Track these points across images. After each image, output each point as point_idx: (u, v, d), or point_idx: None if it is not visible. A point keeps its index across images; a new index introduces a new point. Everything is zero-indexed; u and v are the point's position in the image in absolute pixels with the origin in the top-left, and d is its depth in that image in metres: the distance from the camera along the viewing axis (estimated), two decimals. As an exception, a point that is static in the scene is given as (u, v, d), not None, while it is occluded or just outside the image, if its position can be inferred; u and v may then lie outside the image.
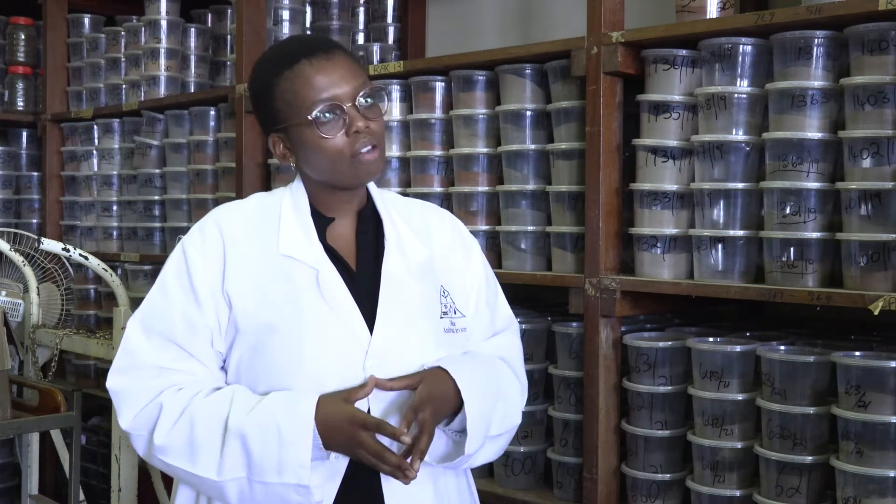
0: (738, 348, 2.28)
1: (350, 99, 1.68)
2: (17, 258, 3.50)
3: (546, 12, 3.53)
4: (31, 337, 3.42)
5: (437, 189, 2.88)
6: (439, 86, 2.91)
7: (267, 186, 3.41)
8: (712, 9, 2.42)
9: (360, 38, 3.95)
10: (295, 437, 1.59)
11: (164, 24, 4.02)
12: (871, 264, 2.07)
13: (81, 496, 3.14)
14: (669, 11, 2.53)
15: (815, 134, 2.16)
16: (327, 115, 1.67)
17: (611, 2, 2.46)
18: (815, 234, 2.16)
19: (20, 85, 4.71)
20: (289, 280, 1.69)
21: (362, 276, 1.74)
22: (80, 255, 3.32)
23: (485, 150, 2.79)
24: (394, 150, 2.97)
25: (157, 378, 1.68)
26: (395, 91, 2.99)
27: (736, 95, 2.28)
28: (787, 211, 2.18)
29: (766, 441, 2.22)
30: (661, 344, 2.41)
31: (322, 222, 1.76)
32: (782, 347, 2.27)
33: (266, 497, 1.62)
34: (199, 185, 3.73)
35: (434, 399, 1.65)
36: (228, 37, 4.09)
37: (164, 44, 4.01)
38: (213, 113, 3.72)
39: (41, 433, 3.33)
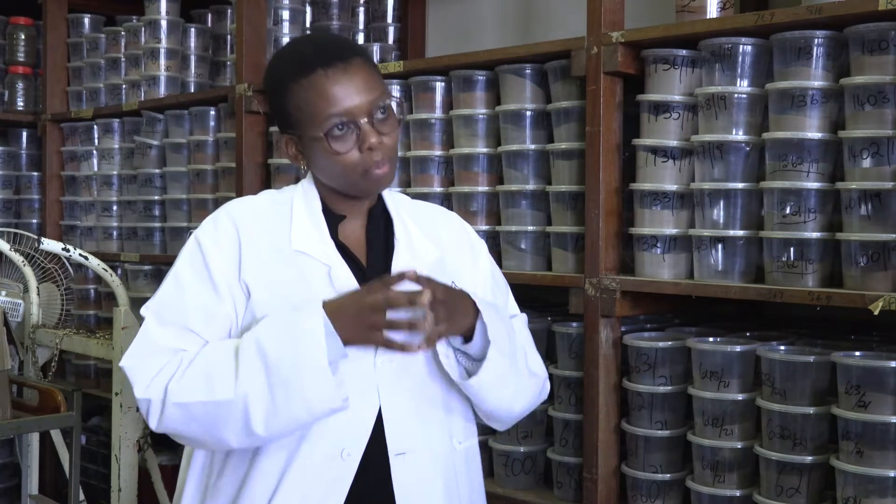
0: (738, 348, 2.28)
1: (365, 113, 1.67)
2: (17, 258, 3.51)
3: (546, 12, 3.53)
4: (31, 337, 3.42)
5: (437, 189, 2.88)
6: (439, 86, 2.91)
7: (267, 186, 3.41)
8: (712, 9, 2.42)
9: (361, 38, 3.95)
10: (306, 325, 1.58)
11: (164, 24, 4.02)
12: (871, 264, 2.07)
13: (81, 496, 3.14)
14: (669, 11, 2.53)
15: (815, 134, 2.16)
16: (340, 129, 1.67)
17: (611, 2, 2.46)
18: (815, 234, 2.16)
19: (20, 85, 4.71)
20: (301, 275, 1.70)
21: (372, 273, 1.74)
22: (80, 255, 3.32)
23: (485, 150, 2.79)
24: (394, 150, 2.97)
25: (173, 354, 1.67)
26: (396, 91, 2.99)
27: (736, 95, 2.28)
28: (787, 211, 2.18)
29: (766, 441, 2.22)
30: (661, 344, 2.41)
31: (333, 219, 1.77)
32: (782, 347, 2.27)
33: (288, 402, 1.58)
34: (199, 185, 3.73)
35: (452, 294, 1.66)
36: (228, 37, 4.09)
37: (164, 44, 4.01)
38: (213, 113, 3.72)
39: (41, 433, 3.34)
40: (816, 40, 2.17)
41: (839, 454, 2.09)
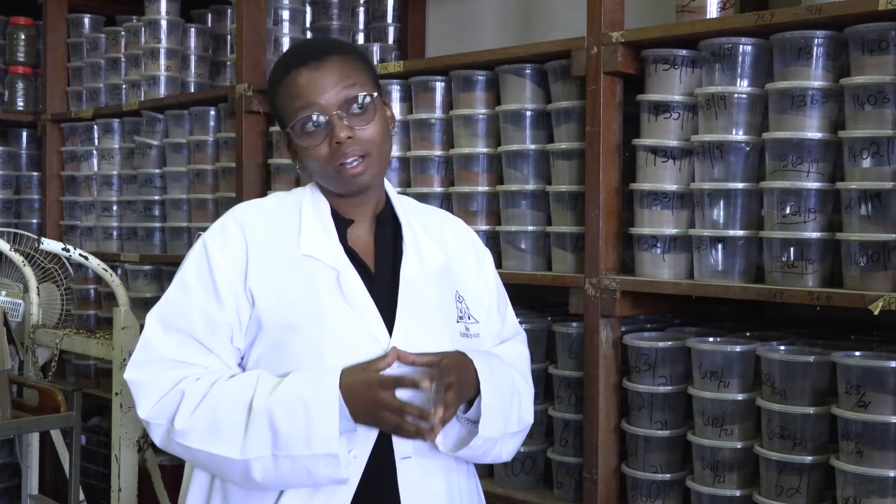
0: (738, 348, 2.28)
1: (335, 107, 1.69)
2: (17, 258, 3.50)
3: (546, 12, 3.53)
4: (31, 337, 3.42)
5: (437, 189, 2.88)
6: (439, 86, 2.91)
7: (267, 186, 3.41)
8: (712, 9, 2.42)
9: (360, 38, 3.95)
10: (322, 409, 1.60)
11: (164, 24, 4.02)
12: (871, 264, 2.06)
13: (81, 496, 3.14)
14: (669, 11, 2.53)
15: (815, 134, 2.16)
16: (310, 125, 1.70)
17: (611, 2, 2.46)
18: (815, 234, 2.16)
19: (20, 85, 4.71)
20: (309, 280, 1.71)
21: (380, 278, 1.76)
22: (80, 255, 3.32)
23: (485, 150, 2.79)
24: (394, 150, 2.97)
25: (176, 370, 1.68)
26: (395, 91, 2.99)
27: (736, 95, 2.28)
28: (787, 211, 2.18)
29: (766, 441, 2.22)
30: (661, 344, 2.41)
31: (342, 224, 1.78)
32: (782, 347, 2.27)
33: (293, 472, 1.62)
34: (199, 185, 3.73)
35: (459, 370, 1.69)
36: (228, 37, 4.09)
37: (164, 44, 4.01)
38: (213, 113, 3.72)
39: (41, 433, 3.33)
40: (816, 40, 2.16)
41: (839, 454, 2.09)
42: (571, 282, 2.53)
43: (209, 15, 4.22)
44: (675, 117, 2.40)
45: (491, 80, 2.80)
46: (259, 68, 3.44)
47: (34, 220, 4.65)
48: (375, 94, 1.74)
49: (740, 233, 2.28)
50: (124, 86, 4.21)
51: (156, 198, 3.94)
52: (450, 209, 2.78)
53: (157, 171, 3.93)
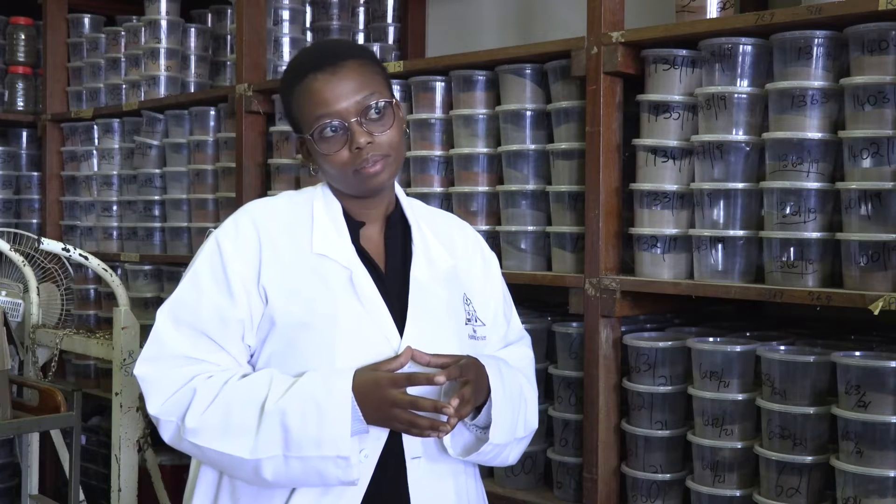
0: (738, 348, 2.28)
1: (354, 114, 1.70)
2: (17, 258, 3.50)
3: (546, 12, 3.53)
4: (31, 337, 3.42)
5: (437, 189, 2.88)
6: (439, 86, 2.91)
7: (267, 186, 3.41)
8: (712, 9, 2.42)
9: (360, 38, 3.95)
10: (334, 410, 1.60)
11: (164, 24, 4.02)
12: (871, 264, 2.06)
13: (81, 496, 3.14)
14: (669, 11, 2.53)
15: (815, 134, 2.16)
16: (328, 131, 1.71)
17: (611, 2, 2.46)
18: (815, 234, 2.16)
19: (20, 85, 4.71)
20: (322, 279, 1.71)
21: (391, 279, 1.77)
22: (80, 255, 3.32)
23: (485, 150, 2.79)
24: (394, 150, 2.97)
25: (187, 366, 1.68)
26: (396, 91, 2.98)
27: (736, 95, 2.28)
28: (787, 211, 2.18)
29: (766, 441, 2.22)
30: (661, 344, 2.41)
31: (354, 225, 1.79)
32: (782, 347, 2.27)
33: (303, 473, 1.62)
34: (199, 185, 3.73)
35: (475, 372, 1.70)
36: (228, 37, 4.09)
37: (164, 44, 4.02)
38: (213, 113, 3.72)
39: (41, 433, 3.33)
40: (816, 40, 2.16)
41: (839, 454, 2.09)
42: (571, 282, 2.53)
43: (209, 15, 4.22)
44: (675, 117, 2.40)
45: (491, 80, 2.80)
46: (259, 68, 3.44)
47: (34, 220, 4.65)
48: (393, 99, 1.76)
49: (740, 233, 2.28)
50: (124, 86, 4.21)
51: (156, 198, 3.94)
52: (450, 209, 2.78)
53: (157, 171, 3.93)
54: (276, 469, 1.63)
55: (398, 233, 1.83)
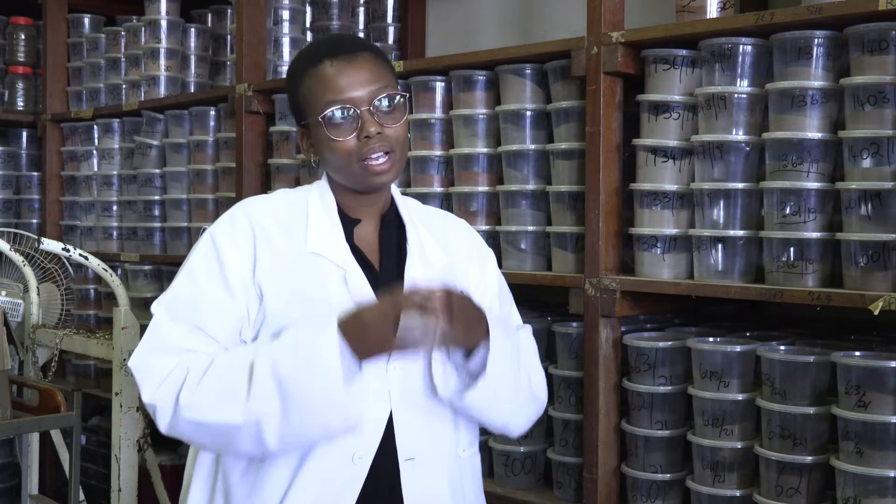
0: (738, 348, 2.28)
1: (366, 103, 1.69)
2: (17, 258, 3.50)
3: (546, 12, 3.53)
4: (31, 337, 3.42)
5: (437, 189, 2.88)
6: (439, 86, 2.91)
7: (267, 186, 3.41)
8: (712, 9, 2.42)
9: (360, 38, 3.95)
10: (322, 349, 1.56)
11: (164, 24, 4.02)
12: (871, 264, 2.06)
13: (81, 496, 3.14)
14: (669, 11, 2.53)
15: (815, 134, 2.16)
16: (339, 117, 1.69)
17: (611, 2, 2.46)
18: (815, 234, 2.16)
19: (20, 85, 4.71)
20: (316, 277, 1.70)
21: (385, 278, 1.75)
22: (80, 255, 3.32)
23: (485, 150, 2.79)
24: (394, 150, 2.97)
25: (181, 354, 1.66)
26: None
27: (736, 95, 2.28)
28: (787, 211, 2.18)
29: (766, 441, 2.22)
30: (661, 344, 2.41)
31: (349, 223, 1.78)
32: (782, 347, 2.27)
33: (303, 426, 1.58)
34: (199, 185, 3.73)
35: (471, 307, 1.64)
36: (228, 37, 4.09)
37: (164, 44, 4.02)
38: (213, 113, 3.72)
39: (41, 433, 3.33)
40: (816, 40, 2.17)
41: (839, 454, 2.09)
42: (571, 282, 2.53)
43: (209, 15, 4.22)
44: (675, 117, 2.40)
45: (491, 80, 2.80)
46: (259, 68, 3.44)
47: (34, 220, 4.65)
48: (406, 95, 1.75)
49: (740, 233, 2.28)
50: (124, 86, 4.21)
51: (156, 198, 3.94)
52: (450, 209, 2.78)
53: (157, 171, 3.93)
54: (277, 428, 1.58)
55: (393, 231, 1.82)
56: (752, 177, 2.30)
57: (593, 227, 2.46)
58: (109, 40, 4.31)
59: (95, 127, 4.27)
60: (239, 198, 3.40)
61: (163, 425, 1.65)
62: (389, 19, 3.96)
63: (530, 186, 2.69)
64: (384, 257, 1.78)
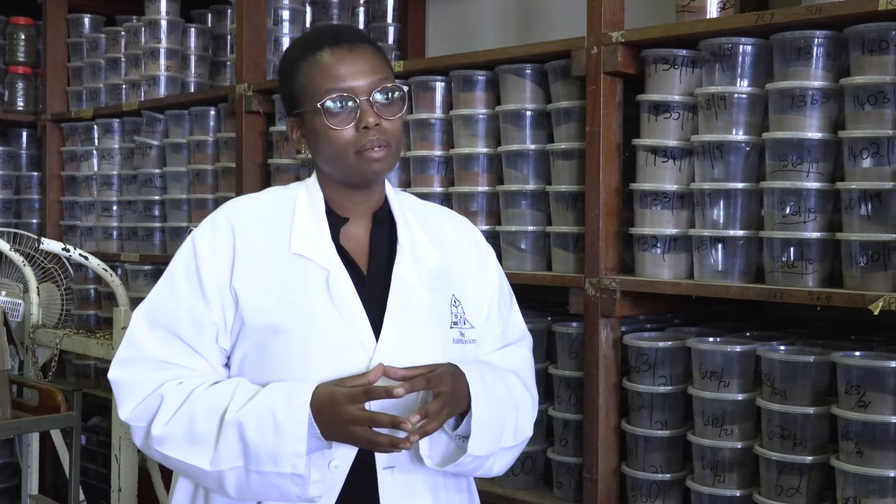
0: (738, 348, 2.28)
1: (365, 93, 1.66)
2: (17, 258, 3.51)
3: (546, 12, 3.53)
4: (31, 337, 3.42)
5: (437, 189, 2.88)
6: (439, 86, 2.91)
7: (267, 186, 3.40)
8: (712, 9, 2.42)
9: (360, 38, 3.95)
10: (290, 426, 1.56)
11: (164, 24, 4.02)
12: (871, 264, 2.07)
13: (81, 496, 3.14)
14: (669, 11, 2.53)
15: (815, 134, 2.16)
16: (338, 105, 1.65)
17: (611, 2, 2.46)
18: (815, 234, 2.16)
19: (20, 85, 4.71)
20: (298, 280, 1.67)
21: (373, 280, 1.71)
22: (80, 255, 3.32)
23: (485, 150, 2.79)
24: (394, 150, 2.97)
25: (159, 371, 1.66)
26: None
27: (736, 95, 2.28)
28: (787, 211, 2.18)
29: (766, 441, 2.22)
30: (661, 344, 2.41)
31: (336, 222, 1.74)
32: (782, 347, 2.27)
33: (263, 487, 1.59)
34: (199, 185, 3.74)
35: (453, 382, 1.63)
36: (228, 37, 4.09)
37: (164, 44, 4.02)
38: (213, 113, 3.72)
39: (41, 433, 3.34)
40: (816, 40, 2.16)
41: (839, 454, 2.09)
42: (571, 282, 2.53)
43: (209, 15, 4.22)
44: (675, 117, 2.40)
45: (491, 80, 2.80)
46: (259, 68, 3.44)
47: (34, 220, 4.65)
48: (406, 88, 1.73)
49: (740, 233, 2.28)
50: (124, 86, 4.22)
51: (156, 198, 3.94)
52: (450, 209, 2.78)
53: (157, 171, 3.93)
54: (237, 482, 1.60)
55: (385, 230, 1.77)
56: (752, 177, 2.30)
57: (593, 227, 2.46)
58: (109, 40, 4.31)
59: (95, 127, 4.28)
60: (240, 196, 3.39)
61: (137, 443, 1.69)
62: (389, 19, 3.96)
63: (530, 186, 2.69)
64: (373, 257, 1.74)
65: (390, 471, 1.67)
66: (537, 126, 2.71)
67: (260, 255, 1.69)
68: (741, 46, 2.28)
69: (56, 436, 3.36)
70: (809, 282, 2.16)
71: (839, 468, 2.07)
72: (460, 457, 1.67)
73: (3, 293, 3.48)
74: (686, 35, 2.35)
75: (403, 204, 1.82)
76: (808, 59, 2.17)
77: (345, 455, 1.64)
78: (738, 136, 2.28)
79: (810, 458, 2.14)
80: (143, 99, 4.05)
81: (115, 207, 4.15)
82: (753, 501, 2.23)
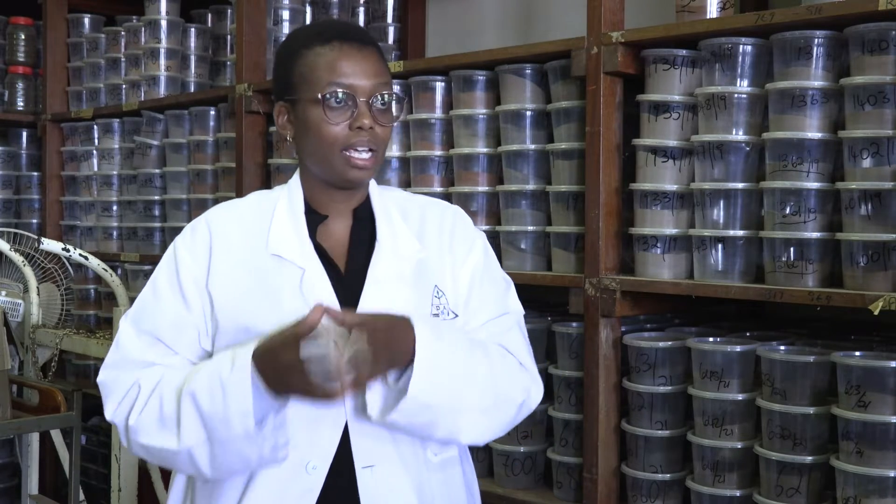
0: (738, 348, 2.28)
1: (365, 94, 1.65)
2: (17, 258, 3.51)
3: (546, 12, 3.53)
4: (31, 337, 3.42)
5: (437, 189, 2.88)
6: (439, 86, 2.91)
7: (266, 186, 3.41)
8: (712, 9, 2.42)
9: (360, 38, 3.94)
10: (234, 386, 1.54)
11: (164, 24, 4.02)
12: (871, 264, 2.07)
13: (81, 496, 3.14)
14: (669, 11, 2.53)
15: (815, 134, 2.16)
16: (338, 100, 1.64)
17: (611, 2, 2.46)
18: (815, 234, 2.16)
19: (20, 85, 4.71)
20: (273, 280, 1.66)
21: (351, 277, 1.69)
22: (80, 255, 3.32)
23: (485, 150, 2.79)
24: (394, 150, 2.97)
25: (143, 369, 1.67)
26: (397, 91, 2.98)
27: (736, 95, 2.28)
28: (787, 211, 2.18)
29: (766, 441, 2.22)
30: (661, 344, 2.41)
31: (315, 220, 1.72)
32: (782, 347, 2.27)
33: (226, 456, 1.57)
34: (199, 185, 3.74)
35: (389, 331, 1.55)
36: (228, 37, 4.09)
37: (164, 44, 4.02)
38: (213, 113, 3.72)
39: (41, 433, 3.34)
40: (816, 40, 2.17)
41: (839, 454, 2.09)
42: (571, 282, 2.53)
43: (209, 15, 4.22)
44: (675, 117, 2.40)
45: (491, 80, 2.80)
46: (259, 68, 3.44)
47: (34, 220, 4.65)
48: (400, 96, 1.72)
49: (740, 233, 2.28)
50: (124, 86, 4.22)
51: (156, 198, 3.94)
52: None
53: (157, 171, 3.93)
54: (207, 457, 1.58)
55: (366, 226, 1.74)
56: (752, 177, 2.30)
57: (593, 227, 2.46)
58: (109, 40, 4.31)
59: (95, 127, 4.28)
60: (238, 197, 3.39)
61: (123, 443, 1.69)
62: (389, 19, 3.96)
63: (530, 186, 2.69)
64: (352, 255, 1.72)
65: (370, 470, 1.63)
66: (537, 126, 2.71)
67: (237, 256, 1.69)
68: (741, 46, 2.28)
69: (56, 436, 3.36)
70: (809, 282, 2.16)
71: (839, 468, 2.07)
72: (399, 402, 1.56)
73: (3, 293, 3.48)
74: (686, 35, 2.35)
75: (387, 199, 1.80)
76: (808, 59, 2.17)
77: (322, 455, 1.62)
78: (738, 136, 2.28)
79: (810, 458, 2.14)
80: (143, 99, 4.05)
81: (115, 207, 4.16)
82: (753, 501, 2.23)
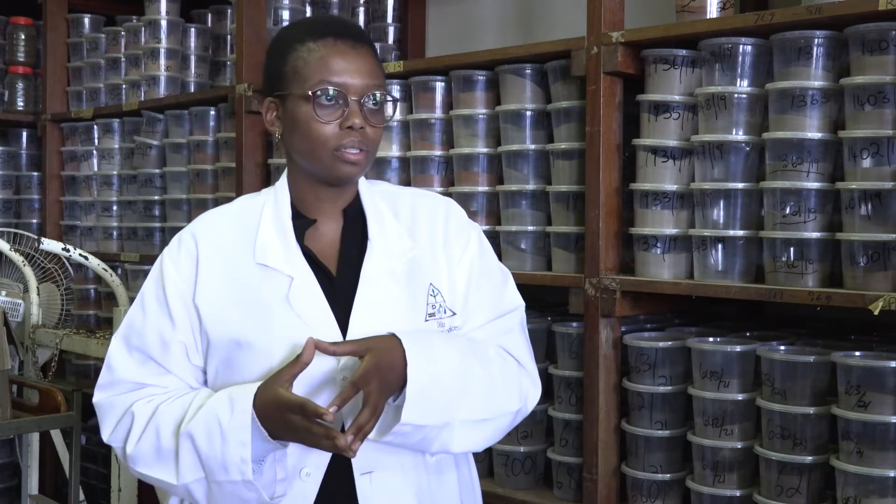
0: (738, 348, 2.28)
1: (358, 94, 1.62)
2: (17, 258, 3.51)
3: (546, 12, 3.53)
4: (31, 337, 3.42)
5: (437, 189, 2.88)
6: (439, 86, 2.91)
7: (266, 186, 3.40)
8: (712, 9, 2.42)
9: (360, 38, 3.94)
10: (234, 433, 1.54)
11: (164, 24, 4.02)
12: (871, 264, 2.07)
13: (81, 496, 3.14)
14: (669, 11, 2.53)
15: (815, 134, 2.16)
16: (328, 98, 1.61)
17: (611, 2, 2.46)
18: (816, 234, 2.16)
19: (20, 85, 4.71)
20: (261, 290, 1.64)
21: (343, 280, 1.67)
22: (80, 255, 3.32)
23: (485, 150, 2.79)
24: (394, 150, 2.97)
25: (134, 392, 1.67)
26: (395, 91, 2.98)
27: (736, 95, 2.28)
28: (787, 211, 2.18)
29: (766, 441, 2.22)
30: (661, 344, 2.41)
31: (303, 225, 1.69)
32: (782, 347, 2.27)
33: (223, 496, 1.58)
34: (199, 185, 3.74)
35: (381, 369, 1.53)
36: (228, 37, 4.09)
37: (164, 44, 4.02)
38: (213, 113, 3.72)
39: (41, 433, 3.34)
40: (816, 40, 2.17)
41: (839, 454, 2.09)
42: (571, 282, 2.53)
43: (209, 15, 4.22)
44: (675, 117, 2.40)
45: (491, 80, 2.80)
46: (259, 68, 3.42)
47: (34, 220, 4.65)
48: (394, 97, 1.71)
49: (740, 233, 2.28)
50: (124, 86, 4.22)
51: (156, 198, 3.94)
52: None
53: (157, 171, 3.93)
54: (204, 492, 1.60)
55: (357, 226, 1.71)
56: (752, 177, 2.30)
57: (593, 227, 2.46)
58: (109, 40, 4.31)
59: (95, 127, 4.28)
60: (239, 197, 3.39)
61: (122, 460, 1.70)
62: (389, 19, 3.96)
63: (530, 186, 2.69)
64: (343, 257, 1.68)
65: (368, 476, 1.62)
66: (537, 126, 2.71)
67: (224, 268, 1.67)
68: (741, 46, 2.28)
69: (56, 436, 3.36)
70: (809, 282, 2.16)
71: (839, 468, 2.07)
72: (395, 425, 1.56)
73: (3, 293, 3.48)
74: (686, 35, 2.35)
75: (376, 195, 1.76)
76: (808, 59, 2.17)
77: (317, 462, 1.61)
78: (738, 136, 2.28)
79: (810, 458, 2.14)
80: (143, 99, 4.05)
81: (115, 207, 4.15)
82: (753, 501, 2.23)
